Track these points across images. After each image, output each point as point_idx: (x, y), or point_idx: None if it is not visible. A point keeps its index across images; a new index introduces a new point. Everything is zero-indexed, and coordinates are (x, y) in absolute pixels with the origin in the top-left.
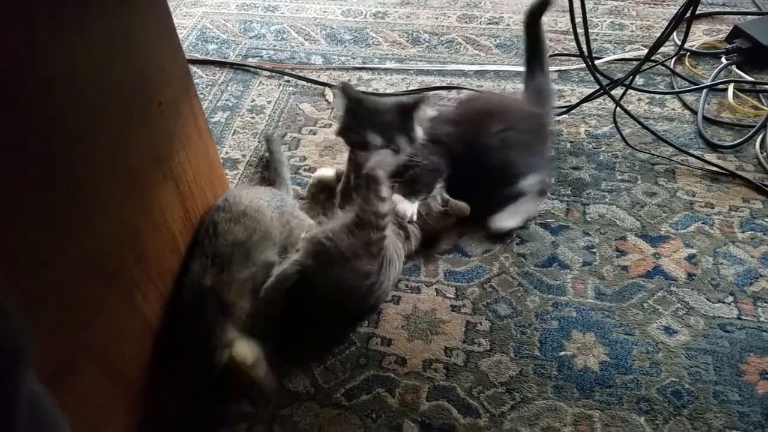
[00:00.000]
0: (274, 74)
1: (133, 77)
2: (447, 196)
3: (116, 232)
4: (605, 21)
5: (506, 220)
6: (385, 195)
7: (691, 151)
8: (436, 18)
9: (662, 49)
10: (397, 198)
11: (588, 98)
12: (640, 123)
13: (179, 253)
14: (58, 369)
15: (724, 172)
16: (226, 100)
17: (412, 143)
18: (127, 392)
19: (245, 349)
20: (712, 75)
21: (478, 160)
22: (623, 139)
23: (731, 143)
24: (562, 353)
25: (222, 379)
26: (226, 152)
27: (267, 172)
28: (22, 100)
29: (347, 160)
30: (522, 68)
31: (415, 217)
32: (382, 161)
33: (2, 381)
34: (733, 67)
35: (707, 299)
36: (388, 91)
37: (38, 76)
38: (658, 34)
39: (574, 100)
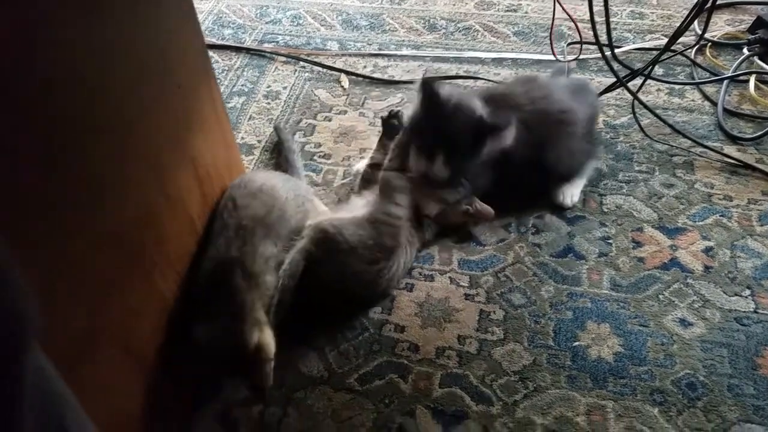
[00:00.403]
0: (289, 60)
1: (153, 60)
2: (473, 197)
3: (135, 214)
4: (625, 10)
5: (571, 195)
6: (401, 203)
7: (710, 143)
8: (454, 4)
9: (682, 39)
10: None
11: (606, 90)
12: (657, 116)
13: (197, 235)
14: (80, 348)
15: (743, 164)
16: (242, 85)
17: (461, 169)
18: (145, 373)
19: (271, 340)
20: (734, 66)
21: (540, 164)
22: (641, 129)
23: (751, 135)
24: (576, 343)
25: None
26: (242, 137)
27: (280, 158)
28: (40, 82)
29: (378, 144)
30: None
31: (431, 214)
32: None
33: (7, 356)
34: (755, 58)
35: (724, 292)
36: (404, 78)
37: (48, 66)
38: (679, 24)
39: None
